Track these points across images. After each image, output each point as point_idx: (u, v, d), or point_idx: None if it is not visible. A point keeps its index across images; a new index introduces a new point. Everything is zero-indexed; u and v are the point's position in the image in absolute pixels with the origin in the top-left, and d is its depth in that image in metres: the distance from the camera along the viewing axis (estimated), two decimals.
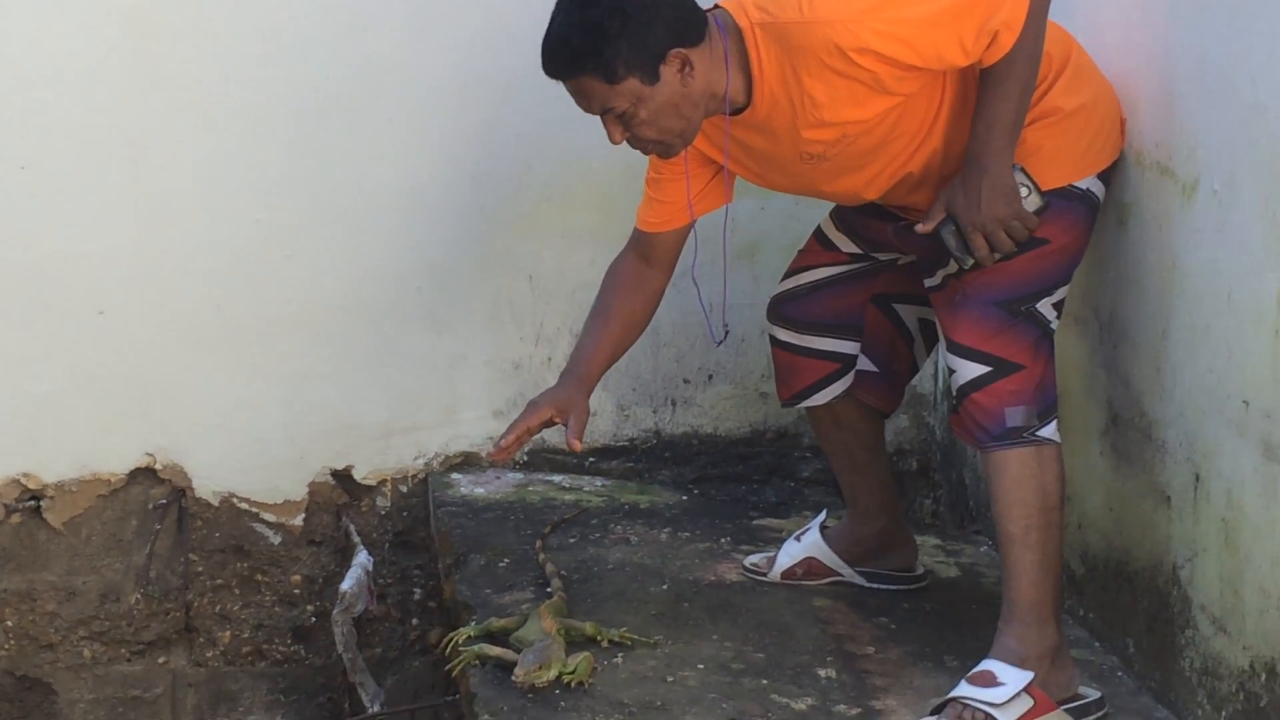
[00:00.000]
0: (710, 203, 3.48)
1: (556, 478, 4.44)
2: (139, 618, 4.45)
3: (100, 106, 4.24)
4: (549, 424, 3.49)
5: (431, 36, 4.34)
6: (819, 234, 3.69)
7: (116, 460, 4.41)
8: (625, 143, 3.25)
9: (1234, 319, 3.03)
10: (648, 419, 4.60)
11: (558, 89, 3.24)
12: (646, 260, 3.54)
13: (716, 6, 3.26)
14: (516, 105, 4.32)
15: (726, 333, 3.71)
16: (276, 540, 4.48)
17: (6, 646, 4.42)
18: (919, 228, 3.26)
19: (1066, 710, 3.20)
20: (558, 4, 3.20)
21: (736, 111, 3.25)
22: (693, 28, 3.18)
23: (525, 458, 4.53)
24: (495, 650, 3.38)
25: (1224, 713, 3.07)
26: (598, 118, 3.24)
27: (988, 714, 3.11)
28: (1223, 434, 3.07)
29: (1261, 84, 2.94)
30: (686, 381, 4.60)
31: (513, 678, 3.22)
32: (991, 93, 3.16)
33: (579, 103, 3.22)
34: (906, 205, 3.38)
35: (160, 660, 4.48)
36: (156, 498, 4.43)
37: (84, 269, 4.30)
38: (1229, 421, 3.05)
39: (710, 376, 4.58)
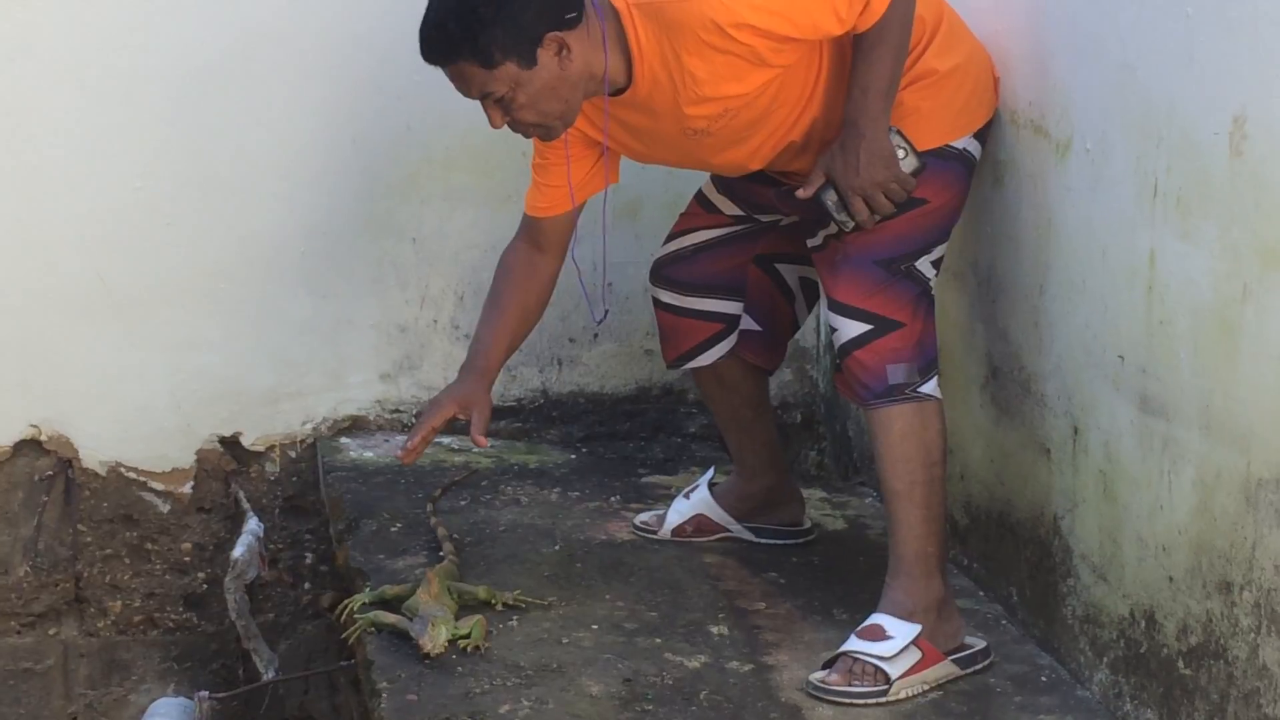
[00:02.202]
0: (596, 185, 3.50)
1: (445, 440, 4.43)
2: (28, 590, 4.43)
3: None
4: (453, 421, 3.52)
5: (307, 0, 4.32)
6: (701, 197, 3.72)
7: (0, 433, 4.38)
8: (506, 126, 3.26)
9: (1108, 276, 3.10)
10: (534, 379, 4.63)
11: None
12: (537, 246, 3.55)
13: None
14: (395, 66, 4.30)
15: (606, 313, 3.75)
16: (166, 509, 4.47)
17: None
18: (799, 193, 3.30)
19: (953, 660, 3.27)
20: None
21: (618, 92, 3.27)
22: (569, 10, 3.19)
23: (413, 420, 4.54)
24: (390, 618, 3.40)
25: (1105, 659, 3.16)
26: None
27: (878, 667, 3.18)
28: (1100, 388, 3.15)
29: (1130, 44, 3.01)
30: (572, 341, 4.62)
31: (420, 648, 3.24)
32: (866, 58, 3.20)
33: (458, 87, 3.23)
34: (790, 172, 3.42)
35: (51, 632, 4.47)
36: (43, 469, 4.41)
37: None
38: (1105, 376, 3.12)
39: (595, 335, 4.61)
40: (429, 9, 3.21)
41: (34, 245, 4.29)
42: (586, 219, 3.58)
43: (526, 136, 3.34)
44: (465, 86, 3.23)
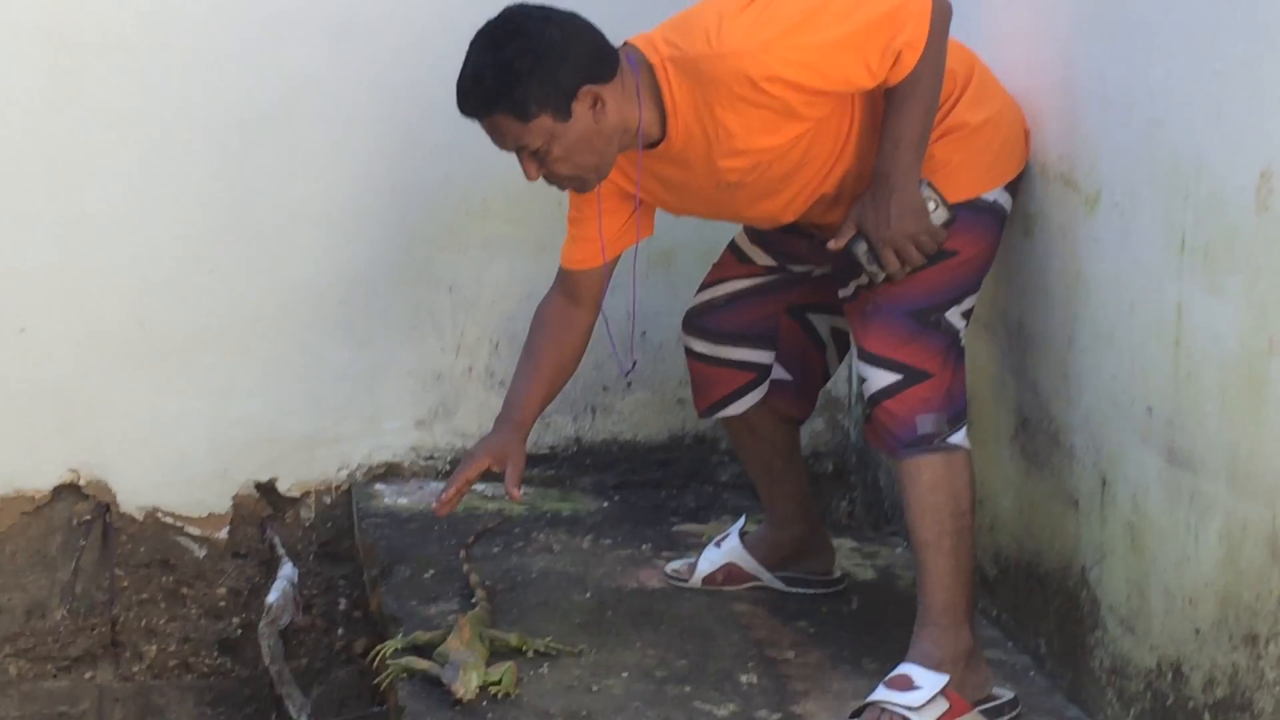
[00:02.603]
0: (630, 238, 3.52)
1: (479, 486, 4.43)
2: (65, 633, 4.46)
3: (21, 124, 4.26)
4: (488, 473, 3.55)
5: (349, 52, 4.38)
6: (734, 247, 3.75)
7: (40, 477, 4.43)
8: (541, 178, 3.30)
9: (1137, 328, 3.12)
10: (568, 426, 4.66)
11: None
12: (573, 299, 3.59)
13: (627, 44, 3.32)
14: (434, 118, 4.30)
15: (634, 364, 3.78)
16: (201, 554, 4.51)
17: None
18: (831, 245, 3.33)
19: (981, 711, 3.28)
20: (471, 44, 3.25)
21: (652, 145, 3.31)
22: (604, 65, 3.23)
23: (448, 467, 4.57)
24: (422, 664, 3.43)
25: (1132, 711, 3.16)
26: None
27: (905, 717, 3.19)
28: (1128, 440, 3.16)
29: (1159, 99, 3.03)
30: (605, 389, 4.66)
31: (452, 694, 3.27)
32: (897, 111, 3.23)
33: (494, 140, 3.28)
34: (822, 224, 3.45)
35: (87, 675, 4.49)
36: (81, 513, 4.45)
37: (5, 286, 4.31)
38: (1133, 428, 3.13)
39: (629, 384, 4.64)
40: (466, 62, 3.25)
41: (77, 290, 4.35)
42: (621, 268, 3.61)
43: (561, 189, 3.38)
44: (501, 139, 3.28)
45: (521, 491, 3.56)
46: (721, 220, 3.65)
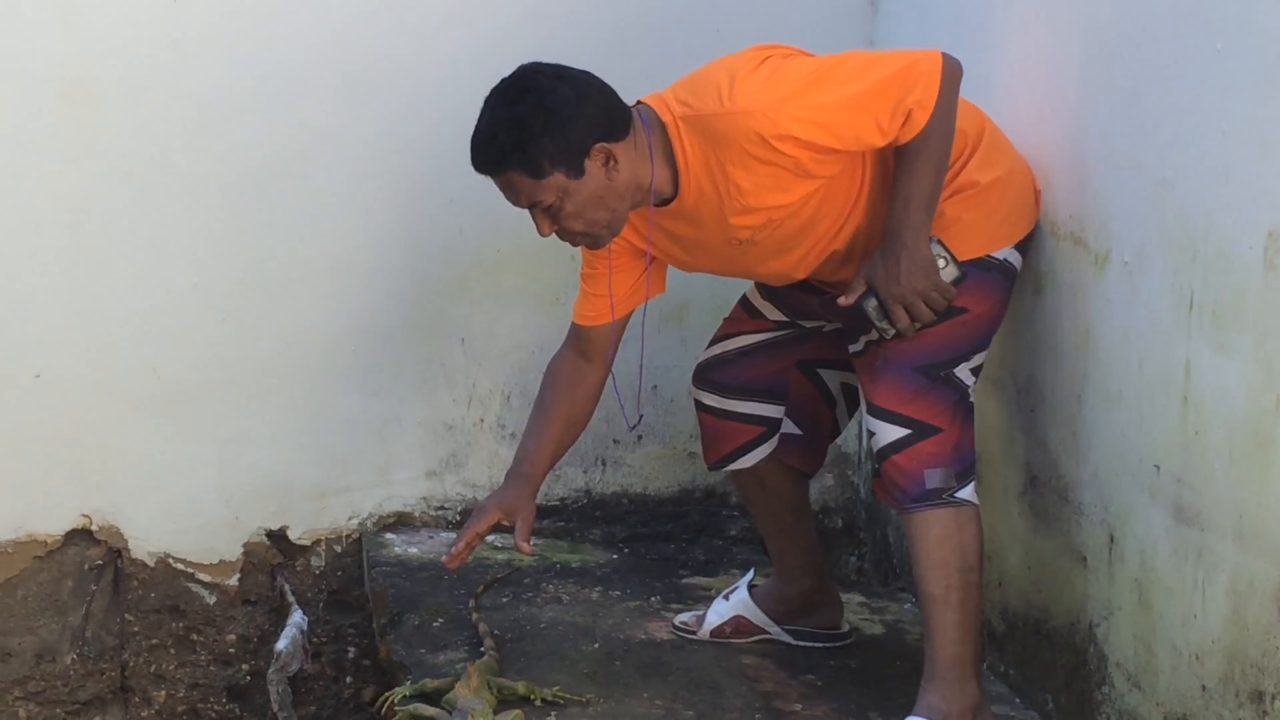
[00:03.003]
0: (641, 295, 3.56)
1: (490, 537, 4.41)
2: (75, 678, 4.48)
3: (38, 173, 4.29)
4: (497, 527, 3.58)
5: (362, 105, 4.41)
6: (745, 302, 3.78)
7: (53, 521, 4.45)
8: (553, 234, 3.33)
9: (1145, 386, 3.14)
10: (578, 479, 4.68)
11: None
12: (584, 355, 3.62)
13: (640, 103, 3.36)
14: (447, 171, 4.34)
15: (641, 418, 3.81)
16: (212, 600, 4.53)
17: None
18: (841, 301, 3.36)
19: None
20: (485, 101, 3.29)
21: (664, 202, 3.35)
22: (617, 123, 3.27)
23: (458, 518, 4.59)
24: (429, 711, 3.44)
25: None
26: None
27: None
28: (1135, 497, 3.18)
29: (1168, 160, 3.06)
30: (616, 442, 4.68)
31: None
32: (907, 169, 3.27)
33: (507, 196, 3.31)
34: (834, 281, 3.48)
35: None
36: (93, 558, 4.47)
37: (21, 333, 4.35)
38: (1141, 485, 3.15)
39: (640, 437, 4.66)
40: (480, 119, 3.29)
41: (90, 338, 4.38)
42: (633, 322, 3.64)
43: (574, 245, 3.41)
44: (514, 195, 3.31)
45: (531, 545, 3.58)
46: (733, 277, 3.69)
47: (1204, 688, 2.95)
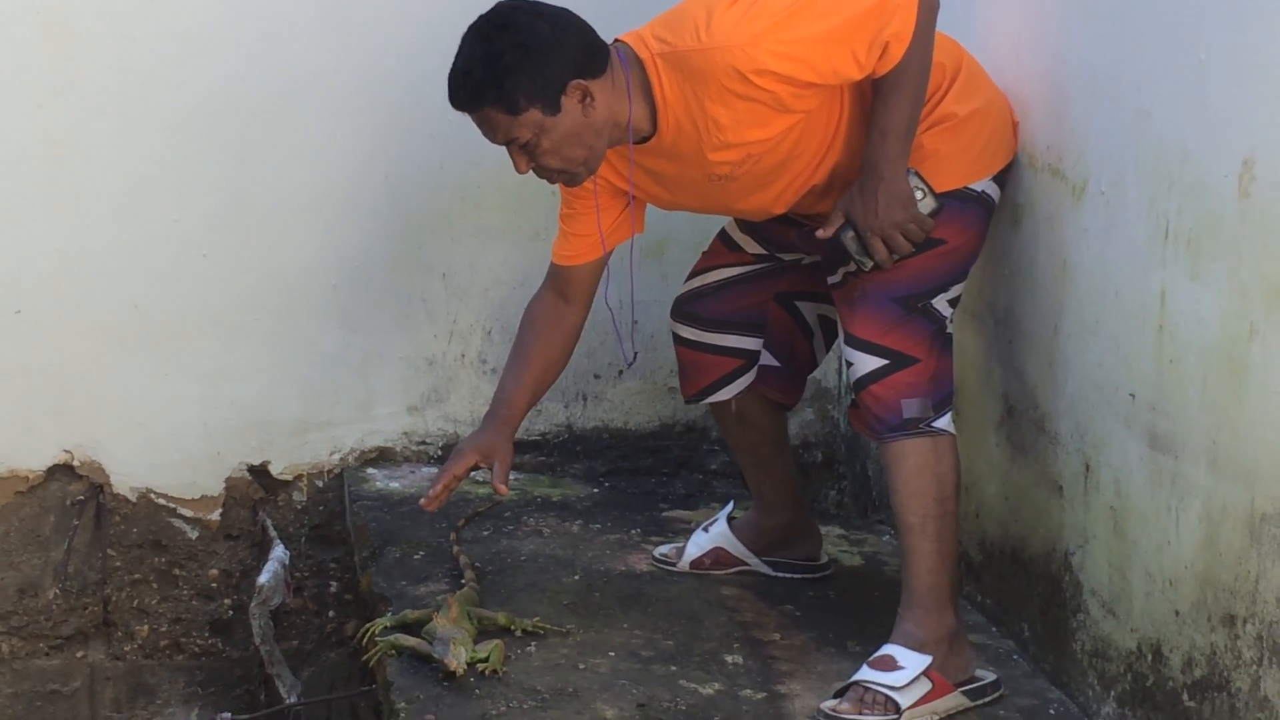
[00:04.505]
0: (622, 234, 3.57)
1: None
2: (57, 612, 4.50)
3: (17, 109, 4.29)
4: (475, 469, 3.60)
5: (344, 40, 4.41)
6: (723, 235, 3.79)
7: (34, 457, 4.46)
8: (531, 172, 3.34)
9: (1121, 315, 3.16)
10: (559, 414, 4.69)
11: None
12: (563, 296, 3.63)
13: (617, 41, 3.36)
14: (429, 107, 4.33)
15: (636, 355, 3.83)
16: (194, 535, 4.54)
17: None
18: (819, 234, 3.37)
19: (964, 692, 3.31)
20: (463, 37, 3.29)
21: (643, 140, 3.35)
22: (594, 59, 3.27)
23: (439, 452, 4.61)
24: (410, 641, 3.46)
25: (1113, 692, 3.20)
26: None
27: (888, 697, 3.23)
28: (1111, 425, 3.20)
29: (1146, 90, 3.07)
30: (597, 377, 4.69)
31: (446, 666, 3.30)
32: (885, 102, 3.27)
33: (485, 133, 3.32)
34: (813, 215, 3.49)
35: (78, 654, 4.53)
36: (74, 494, 4.48)
37: (2, 269, 4.34)
38: (1117, 414, 3.18)
39: (620, 372, 4.67)
40: (457, 56, 3.29)
41: (72, 274, 4.38)
42: (615, 260, 3.65)
43: (551, 182, 3.42)
44: (491, 132, 3.32)
45: (509, 488, 3.61)
46: (713, 214, 3.69)
47: (1177, 613, 2.98)
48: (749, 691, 3.37)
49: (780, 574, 3.94)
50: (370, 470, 4.57)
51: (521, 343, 3.67)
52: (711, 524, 4.00)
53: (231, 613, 4.56)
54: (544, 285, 3.68)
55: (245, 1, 4.36)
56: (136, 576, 4.53)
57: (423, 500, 3.61)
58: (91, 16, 4.28)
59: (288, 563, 4.47)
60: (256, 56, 4.38)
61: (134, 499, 4.50)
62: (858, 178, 3.34)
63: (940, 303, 3.39)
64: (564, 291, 3.63)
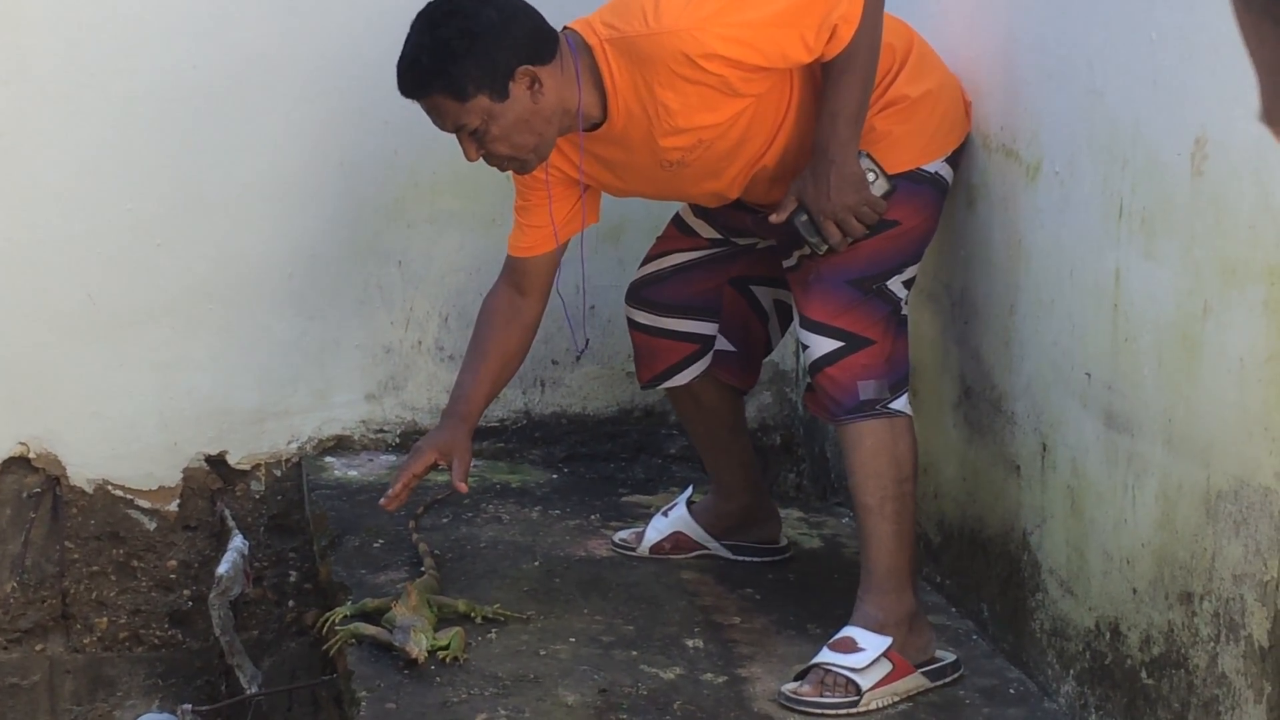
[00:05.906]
0: (576, 225, 3.56)
1: None
2: (15, 606, 4.47)
3: None
4: (434, 467, 3.59)
5: (296, 26, 4.39)
6: (678, 220, 3.78)
7: None
8: (481, 159, 3.33)
9: (1076, 295, 3.17)
10: (517, 400, 4.68)
11: None
12: (519, 289, 3.61)
13: (566, 28, 3.35)
14: (382, 93, 4.24)
15: (587, 342, 3.82)
16: (152, 526, 4.52)
17: None
18: (772, 218, 3.37)
19: (924, 673, 3.32)
20: (411, 25, 3.28)
21: (594, 127, 3.35)
22: (542, 46, 3.27)
23: (397, 440, 4.60)
24: (370, 629, 3.45)
25: (1072, 671, 3.21)
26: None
27: (849, 679, 3.23)
28: (1067, 405, 3.21)
29: (1098, 69, 3.08)
30: (555, 363, 4.68)
31: (407, 654, 3.29)
32: (834, 85, 3.27)
33: (434, 120, 3.31)
34: (768, 202, 3.48)
35: (37, 648, 4.51)
36: (30, 486, 4.46)
37: None
38: (1073, 393, 3.18)
39: (578, 358, 4.66)
40: (406, 43, 3.29)
41: (24, 264, 4.35)
42: (569, 246, 3.64)
43: (502, 170, 3.40)
44: (440, 119, 3.31)
45: (468, 485, 3.60)
46: (666, 200, 3.69)
47: (1134, 591, 2.99)
48: (710, 675, 3.37)
49: (740, 557, 3.95)
50: (328, 459, 4.56)
51: (478, 338, 3.66)
52: (671, 508, 4.00)
53: (191, 604, 4.54)
54: (500, 279, 3.67)
55: None
56: (95, 568, 4.51)
57: (382, 500, 3.60)
58: (39, 3, 4.25)
59: (247, 553, 4.45)
60: (207, 42, 4.36)
61: (91, 490, 4.48)
62: (809, 161, 3.33)
63: (895, 284, 3.39)
64: (520, 284, 3.63)
